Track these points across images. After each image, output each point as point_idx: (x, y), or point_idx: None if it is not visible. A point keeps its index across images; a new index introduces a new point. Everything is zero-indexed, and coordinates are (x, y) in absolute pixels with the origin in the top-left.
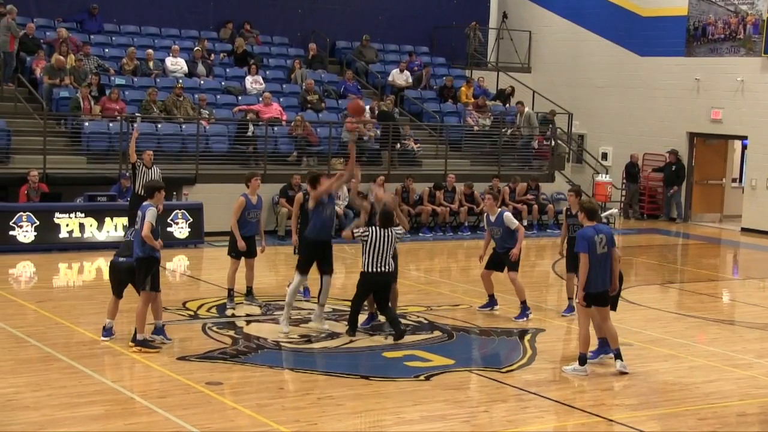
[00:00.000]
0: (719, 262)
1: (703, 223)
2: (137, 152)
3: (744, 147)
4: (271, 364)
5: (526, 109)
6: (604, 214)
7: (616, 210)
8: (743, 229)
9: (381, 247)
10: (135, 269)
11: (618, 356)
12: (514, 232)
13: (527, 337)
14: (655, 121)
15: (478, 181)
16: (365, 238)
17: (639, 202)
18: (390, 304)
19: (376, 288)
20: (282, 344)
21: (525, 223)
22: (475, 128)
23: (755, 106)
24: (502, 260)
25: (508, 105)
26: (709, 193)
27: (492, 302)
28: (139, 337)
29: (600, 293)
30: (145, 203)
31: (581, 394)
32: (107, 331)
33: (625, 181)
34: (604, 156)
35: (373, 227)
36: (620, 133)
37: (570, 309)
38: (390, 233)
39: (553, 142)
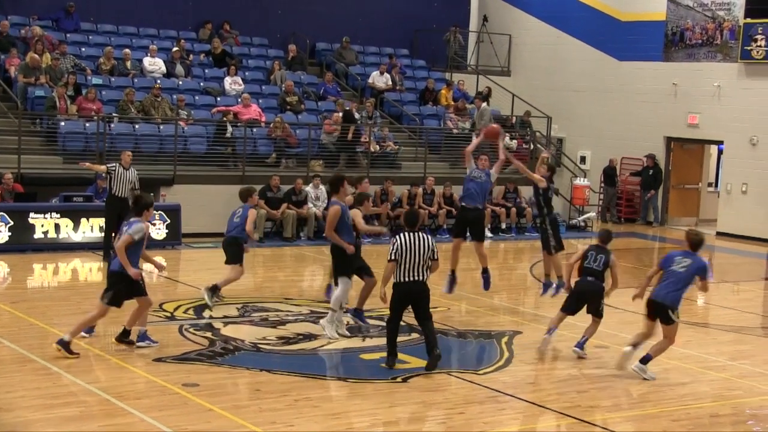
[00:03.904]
0: None
1: (679, 226)
2: (115, 152)
3: (720, 152)
4: (248, 365)
5: (483, 104)
6: (581, 218)
7: (594, 214)
8: (718, 233)
9: (411, 253)
10: None
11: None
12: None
13: (504, 340)
14: (633, 126)
15: (457, 184)
16: (396, 252)
17: (616, 206)
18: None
19: (409, 301)
20: (259, 346)
21: (503, 226)
22: (455, 131)
23: (731, 111)
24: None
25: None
26: (685, 197)
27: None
28: (65, 337)
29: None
30: (133, 219)
31: (557, 396)
32: (88, 329)
33: (603, 184)
34: (583, 160)
35: (401, 234)
36: (598, 137)
37: (547, 287)
38: (420, 237)
39: (531, 145)
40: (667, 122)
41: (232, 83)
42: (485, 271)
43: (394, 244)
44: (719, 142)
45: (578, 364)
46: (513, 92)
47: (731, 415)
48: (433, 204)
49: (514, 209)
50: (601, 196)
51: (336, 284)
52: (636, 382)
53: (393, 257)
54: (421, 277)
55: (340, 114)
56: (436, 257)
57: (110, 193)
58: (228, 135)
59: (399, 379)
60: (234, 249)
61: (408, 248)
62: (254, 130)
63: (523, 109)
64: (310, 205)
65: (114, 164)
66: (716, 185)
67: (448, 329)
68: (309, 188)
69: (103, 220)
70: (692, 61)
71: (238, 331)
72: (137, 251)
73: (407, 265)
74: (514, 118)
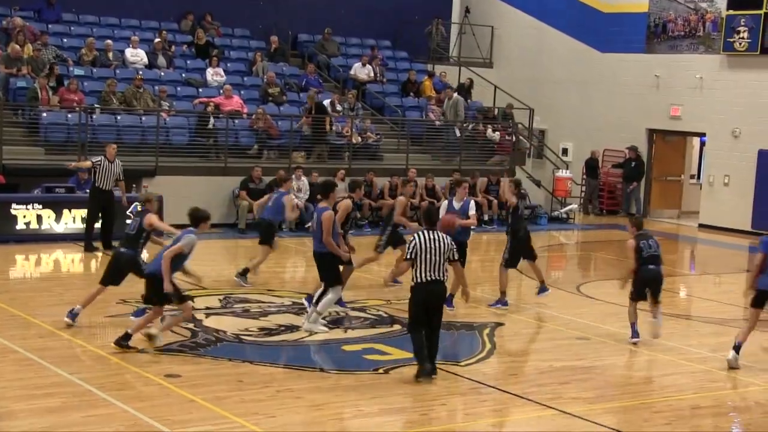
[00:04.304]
0: (677, 258)
1: (661, 219)
2: (97, 144)
3: (702, 144)
4: (230, 356)
5: (455, 95)
6: (563, 210)
7: (576, 206)
8: (701, 225)
9: (429, 252)
10: (135, 261)
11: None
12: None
13: (486, 331)
14: (615, 118)
15: (439, 176)
16: (413, 251)
17: (598, 198)
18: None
19: (429, 301)
20: (242, 337)
21: (485, 217)
22: (437, 123)
23: (713, 103)
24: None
25: (469, 99)
26: (667, 189)
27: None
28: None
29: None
30: (189, 228)
31: (539, 388)
32: (73, 315)
33: (585, 176)
34: (565, 151)
35: (419, 233)
36: (581, 129)
37: (499, 303)
38: (438, 236)
39: (513, 138)
40: (650, 114)
41: (214, 74)
42: (452, 297)
43: (411, 242)
44: (701, 134)
45: (559, 356)
46: (495, 84)
47: (712, 407)
48: (415, 196)
49: (495, 201)
50: (584, 188)
51: (325, 290)
52: (618, 373)
53: (410, 256)
54: (440, 277)
55: (309, 107)
56: (455, 257)
57: (94, 185)
58: (210, 126)
59: (381, 371)
60: (269, 230)
61: (426, 247)
62: (236, 121)
63: (505, 101)
64: (291, 196)
65: (99, 158)
66: (698, 177)
67: None
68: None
69: (86, 211)
70: (675, 52)
71: (220, 322)
72: (181, 262)
73: (426, 265)
74: (497, 110)
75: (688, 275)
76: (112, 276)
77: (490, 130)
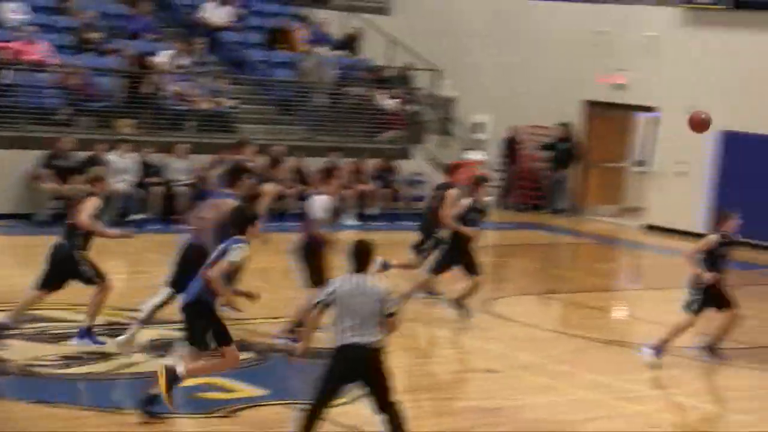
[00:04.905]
0: (615, 268)
1: (598, 217)
2: None
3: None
4: (15, 396)
5: (315, 51)
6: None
7: (491, 198)
8: (648, 227)
9: (349, 305)
10: (72, 259)
11: None
12: None
13: None
14: (545, 85)
15: (314, 155)
16: (328, 298)
17: (518, 189)
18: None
19: (352, 373)
20: (34, 369)
21: (375, 212)
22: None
23: (669, 69)
24: None
25: (358, 55)
26: (606, 178)
27: None
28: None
29: None
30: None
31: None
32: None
33: (504, 159)
34: (478, 127)
35: (340, 278)
36: (500, 99)
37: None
38: (365, 282)
39: (412, 107)
40: (587, 82)
41: (12, 11)
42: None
43: (327, 289)
44: (651, 109)
45: (460, 394)
46: (391, 36)
47: None
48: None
49: (388, 191)
50: (502, 176)
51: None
52: (533, 417)
53: (322, 304)
54: (366, 340)
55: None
56: (391, 312)
57: None
58: (5, 82)
59: (222, 414)
60: None
61: (347, 297)
62: (40, 75)
63: (403, 59)
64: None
65: None
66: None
67: (294, 346)
68: (113, 156)
69: None
70: (621, 3)
71: (3, 348)
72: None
73: (347, 322)
74: (393, 71)
75: (628, 290)
76: (51, 277)
77: (384, 97)
